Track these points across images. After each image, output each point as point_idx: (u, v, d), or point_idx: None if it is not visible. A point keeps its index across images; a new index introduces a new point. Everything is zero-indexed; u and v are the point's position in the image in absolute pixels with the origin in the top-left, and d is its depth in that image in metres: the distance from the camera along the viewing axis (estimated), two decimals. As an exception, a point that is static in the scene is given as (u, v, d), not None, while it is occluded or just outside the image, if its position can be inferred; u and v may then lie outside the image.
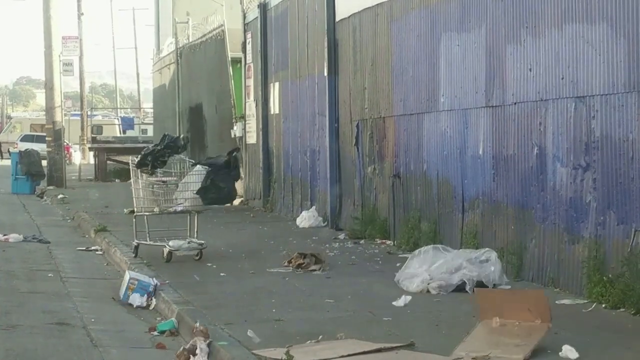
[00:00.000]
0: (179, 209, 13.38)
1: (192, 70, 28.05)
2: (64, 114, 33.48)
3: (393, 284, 10.95)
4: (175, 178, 13.45)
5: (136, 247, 13.41)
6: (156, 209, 13.34)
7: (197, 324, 8.47)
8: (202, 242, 13.26)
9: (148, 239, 13.30)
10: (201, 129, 27.01)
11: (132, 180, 13.64)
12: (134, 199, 13.54)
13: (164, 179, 13.40)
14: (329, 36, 16.88)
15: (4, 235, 16.64)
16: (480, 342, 7.66)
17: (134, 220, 13.50)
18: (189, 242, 13.15)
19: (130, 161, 13.64)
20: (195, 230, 13.32)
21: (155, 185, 13.44)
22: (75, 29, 53.42)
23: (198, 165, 13.61)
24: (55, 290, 11.79)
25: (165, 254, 13.01)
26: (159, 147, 13.30)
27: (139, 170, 13.33)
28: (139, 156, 13.35)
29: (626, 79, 9.20)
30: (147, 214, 13.41)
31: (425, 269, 10.58)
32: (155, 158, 13.18)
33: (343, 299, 10.11)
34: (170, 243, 13.04)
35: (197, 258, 13.08)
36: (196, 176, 13.38)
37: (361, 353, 7.63)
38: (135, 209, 13.56)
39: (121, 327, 9.70)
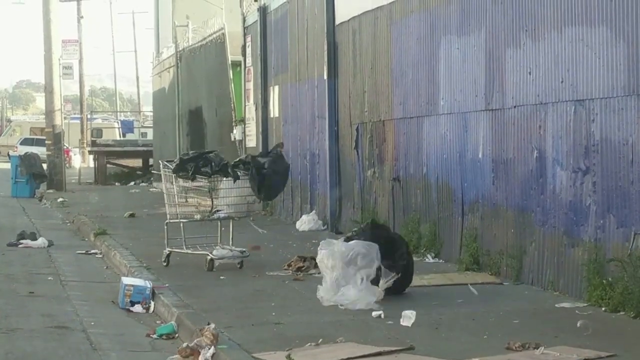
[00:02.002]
0: (222, 215, 12.79)
1: (192, 73, 28.05)
2: (63, 118, 33.53)
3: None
4: (208, 183, 12.76)
5: (167, 256, 12.87)
6: (197, 216, 12.80)
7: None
8: (244, 249, 12.82)
9: (184, 247, 12.70)
10: (201, 132, 26.99)
11: (164, 185, 13.10)
12: (166, 205, 13.03)
13: (200, 184, 12.81)
14: (329, 39, 16.89)
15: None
16: None
17: (165, 227, 12.85)
18: (231, 250, 12.64)
19: (161, 165, 13.03)
20: (231, 237, 12.78)
21: (189, 192, 12.93)
22: (75, 32, 53.47)
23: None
24: (55, 293, 11.79)
25: (207, 262, 12.42)
26: (206, 163, 12.57)
27: (174, 175, 12.70)
28: (176, 161, 12.73)
29: (626, 82, 9.21)
30: (183, 220, 12.79)
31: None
32: (200, 165, 12.54)
33: (343, 302, 10.10)
34: (214, 252, 12.49)
35: (239, 267, 12.59)
36: (239, 181, 12.72)
37: (361, 356, 7.63)
38: (169, 216, 12.92)
39: (121, 330, 9.70)
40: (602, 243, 9.56)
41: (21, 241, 16.36)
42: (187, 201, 12.97)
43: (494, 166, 11.65)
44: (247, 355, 7.84)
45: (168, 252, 12.85)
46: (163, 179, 13.08)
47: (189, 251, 12.68)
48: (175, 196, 12.86)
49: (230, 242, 12.74)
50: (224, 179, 12.69)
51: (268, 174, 12.63)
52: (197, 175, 12.58)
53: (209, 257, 12.43)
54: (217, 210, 12.75)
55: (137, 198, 27.88)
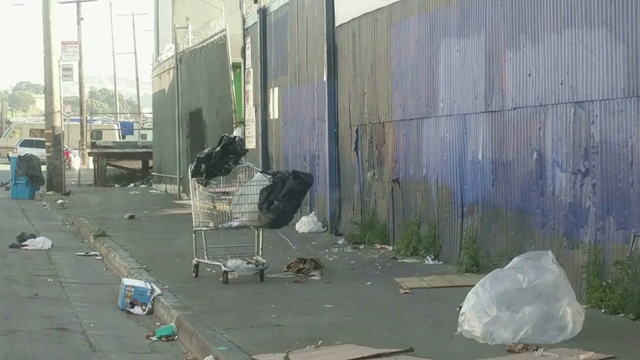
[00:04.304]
0: (235, 224, 11.86)
1: (193, 75, 28.06)
2: (63, 119, 33.57)
3: (392, 289, 10.96)
4: (239, 188, 11.94)
5: (196, 266, 11.97)
6: (211, 224, 11.86)
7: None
8: (263, 261, 11.81)
9: (206, 257, 11.79)
10: (201, 134, 27.00)
11: (190, 189, 12.26)
12: (192, 212, 12.15)
13: (224, 189, 11.98)
14: (329, 41, 16.89)
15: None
16: None
17: (193, 235, 12.00)
18: (248, 262, 11.75)
19: (189, 168, 12.18)
20: (260, 247, 11.95)
21: (215, 198, 11.99)
22: (74, 34, 53.68)
23: (259, 174, 12.03)
24: (55, 295, 11.79)
25: (222, 274, 11.58)
26: (215, 150, 11.67)
27: (194, 179, 11.87)
28: (194, 162, 11.86)
29: (625, 84, 9.21)
30: (204, 229, 11.88)
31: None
32: (211, 165, 11.60)
33: (342, 304, 10.11)
34: (228, 263, 11.61)
35: (259, 279, 11.69)
36: (256, 187, 11.78)
37: (360, 358, 7.63)
38: (194, 224, 12.03)
39: (120, 332, 9.70)
40: (602, 245, 9.56)
41: (24, 243, 16.35)
42: (215, 207, 12.04)
43: (494, 168, 11.65)
44: (247, 357, 7.84)
45: (196, 263, 11.98)
46: (190, 183, 12.24)
47: (208, 261, 11.84)
48: (198, 202, 12.06)
49: (260, 252, 11.97)
50: (247, 183, 11.92)
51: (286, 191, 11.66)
52: (209, 180, 11.76)
53: (222, 269, 11.62)
54: (236, 218, 11.88)
55: (136, 200, 27.91)
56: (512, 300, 8.12)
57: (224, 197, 12.05)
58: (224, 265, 11.62)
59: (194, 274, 12.02)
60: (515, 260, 8.54)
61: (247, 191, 11.87)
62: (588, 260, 9.67)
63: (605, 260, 9.46)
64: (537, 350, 7.71)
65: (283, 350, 7.83)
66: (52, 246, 16.28)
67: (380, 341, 8.25)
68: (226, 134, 12.54)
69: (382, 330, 8.77)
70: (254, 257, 11.90)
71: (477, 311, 8.18)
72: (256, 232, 12.01)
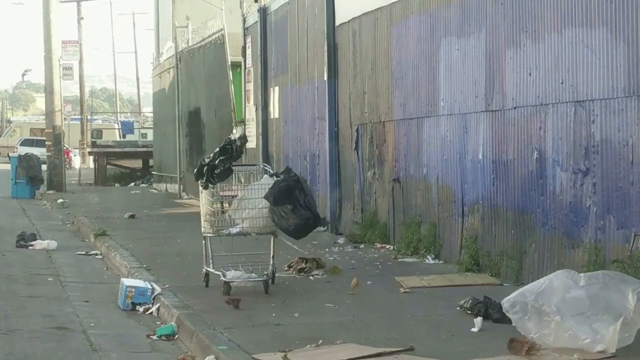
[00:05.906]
0: (234, 231, 10.93)
1: (192, 74, 28.06)
2: (63, 118, 33.56)
3: (392, 288, 10.96)
4: (239, 192, 11.05)
5: (206, 275, 11.08)
6: (211, 229, 10.99)
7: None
8: (266, 272, 10.86)
9: (211, 265, 10.96)
10: (199, 133, 27.01)
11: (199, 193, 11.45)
12: (201, 216, 11.24)
13: (232, 193, 11.10)
14: (329, 40, 16.89)
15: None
16: None
17: (203, 242, 11.09)
18: (251, 271, 10.94)
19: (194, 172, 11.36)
20: (272, 255, 10.93)
21: (224, 203, 11.00)
22: (75, 33, 53.69)
23: (266, 176, 10.99)
24: (55, 294, 11.79)
25: (223, 286, 10.70)
26: (215, 151, 10.93)
27: (198, 182, 11.09)
28: (198, 165, 11.08)
29: (626, 84, 9.21)
30: (209, 235, 11.00)
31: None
32: (211, 169, 10.80)
33: (343, 303, 10.10)
34: (228, 274, 10.73)
35: (265, 292, 10.78)
36: (259, 190, 10.81)
37: (361, 357, 7.62)
38: (203, 229, 11.09)
39: (120, 331, 9.70)
40: (602, 244, 9.56)
41: (32, 242, 16.34)
42: (219, 212, 11.11)
43: (494, 167, 11.65)
44: (247, 356, 7.84)
45: (205, 271, 11.10)
46: (199, 187, 11.42)
47: (213, 270, 11.02)
48: (202, 207, 11.12)
49: (272, 260, 10.96)
50: (250, 186, 11.00)
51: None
52: (209, 183, 10.88)
53: (223, 280, 10.75)
54: (237, 225, 10.98)
55: (137, 199, 27.90)
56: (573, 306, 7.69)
57: (228, 200, 11.23)
58: (224, 276, 10.76)
59: (204, 284, 11.13)
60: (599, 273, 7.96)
61: (249, 195, 10.90)
62: (588, 260, 9.67)
63: (606, 259, 9.46)
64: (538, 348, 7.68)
65: (283, 350, 7.83)
66: (56, 247, 16.24)
67: (380, 340, 8.25)
68: (229, 137, 11.62)
69: (382, 329, 8.77)
70: (269, 267, 10.97)
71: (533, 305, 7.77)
72: (272, 238, 11.01)
